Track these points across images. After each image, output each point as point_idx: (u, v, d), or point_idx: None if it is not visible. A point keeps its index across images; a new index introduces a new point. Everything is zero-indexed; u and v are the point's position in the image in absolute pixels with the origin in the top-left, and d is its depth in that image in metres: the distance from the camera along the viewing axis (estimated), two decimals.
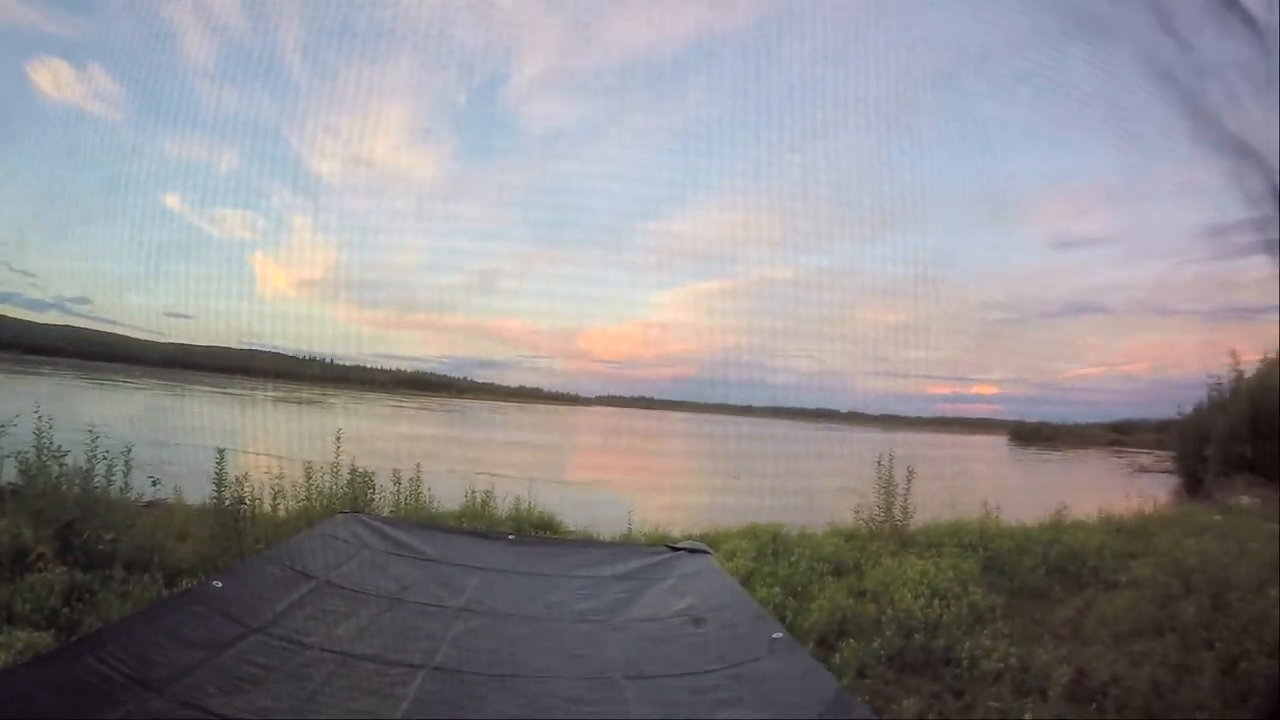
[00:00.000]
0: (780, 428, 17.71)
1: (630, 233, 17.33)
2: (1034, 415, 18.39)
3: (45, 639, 6.23)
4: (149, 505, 9.97)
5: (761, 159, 14.25)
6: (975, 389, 17.38)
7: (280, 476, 10.63)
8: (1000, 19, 12.37)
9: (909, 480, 11.68)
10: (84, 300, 16.25)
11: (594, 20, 15.29)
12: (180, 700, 2.80)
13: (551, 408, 19.27)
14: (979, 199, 14.62)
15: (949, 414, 18.07)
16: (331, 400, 17.92)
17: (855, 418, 17.45)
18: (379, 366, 18.31)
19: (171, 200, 15.54)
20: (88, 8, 15.00)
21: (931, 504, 11.87)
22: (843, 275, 15.19)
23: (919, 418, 17.35)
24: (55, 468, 9.20)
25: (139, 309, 15.76)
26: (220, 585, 3.93)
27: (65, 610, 7.11)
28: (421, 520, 9.45)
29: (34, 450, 9.37)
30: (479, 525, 10.43)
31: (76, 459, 9.34)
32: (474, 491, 11.91)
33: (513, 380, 19.01)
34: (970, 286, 15.92)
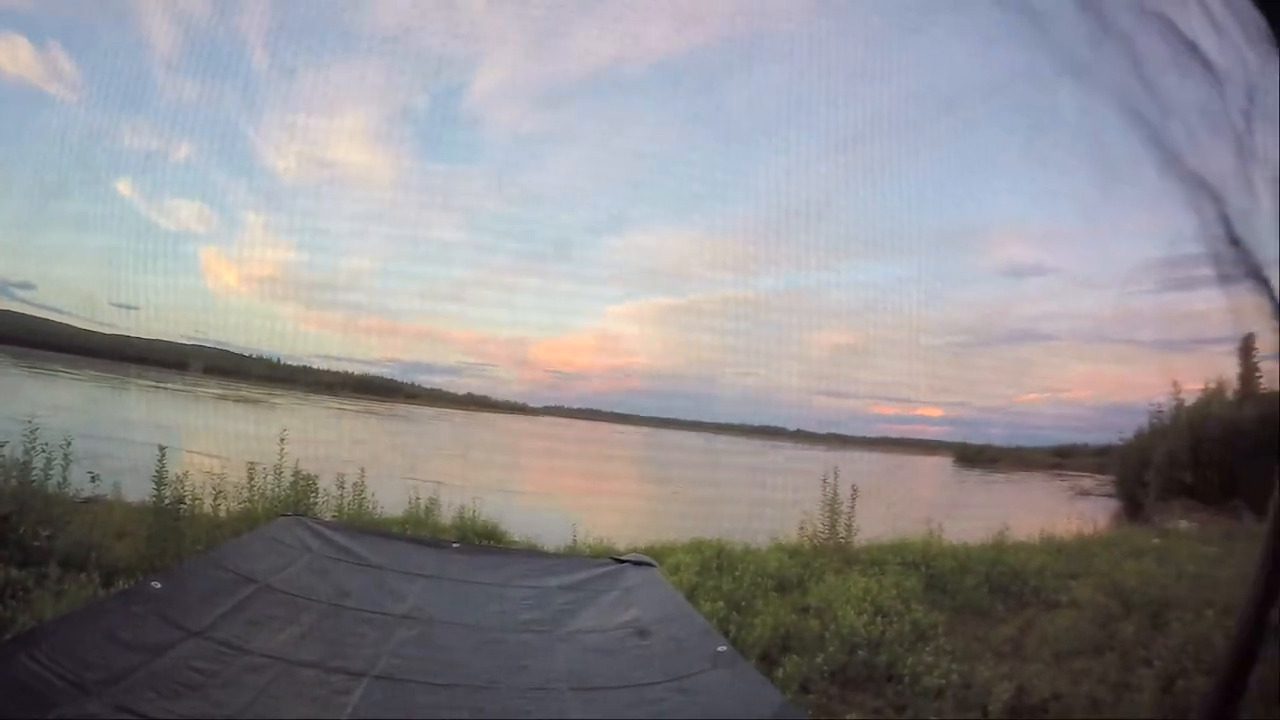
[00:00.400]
0: (727, 443, 17.78)
1: (586, 245, 17.35)
2: (978, 438, 18.67)
3: None
4: (87, 501, 9.71)
5: (720, 180, 14.34)
6: (920, 410, 17.58)
7: (222, 476, 10.48)
8: (963, 56, 12.59)
9: (854, 498, 11.77)
10: (27, 286, 15.86)
11: (559, 33, 15.31)
12: (115, 704, 2.71)
13: (499, 416, 19.14)
14: (935, 229, 14.83)
15: (894, 434, 18.27)
16: (276, 400, 17.64)
17: (801, 436, 17.58)
18: (326, 368, 18.09)
19: (123, 187, 15.22)
20: None
21: (876, 522, 11.97)
22: (795, 297, 15.31)
23: (864, 437, 17.52)
24: None
25: (84, 297, 15.42)
26: (159, 586, 3.81)
27: None
28: (365, 526, 9.33)
29: None
30: (423, 532, 10.29)
31: (13, 450, 9.08)
32: (418, 498, 11.80)
33: (461, 387, 18.88)
34: (921, 313, 16.13)
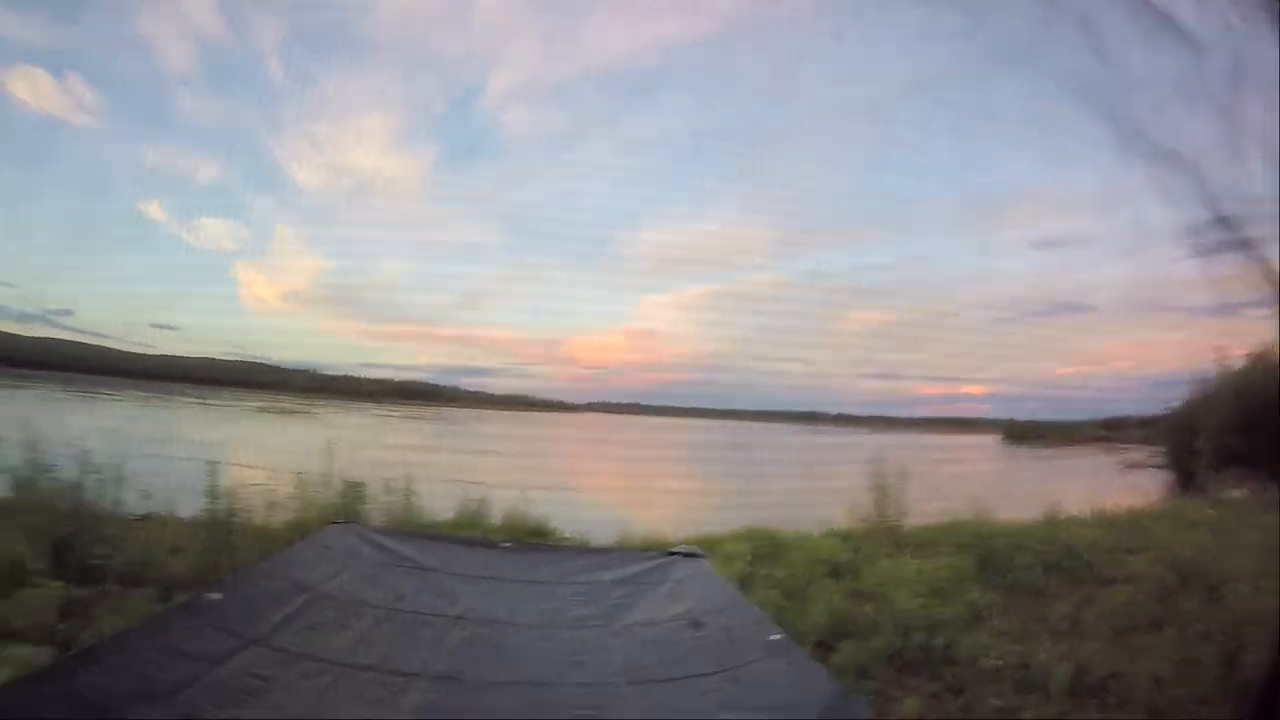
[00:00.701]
0: (770, 431, 17.74)
1: (614, 240, 17.40)
2: (1022, 414, 18.48)
3: (43, 654, 6.15)
4: (141, 519, 9.89)
5: (741, 166, 14.31)
6: (964, 389, 17.45)
7: (271, 488, 10.64)
8: (979, 22, 12.44)
9: (902, 481, 11.69)
10: (67, 312, 16.17)
11: (570, 30, 15.33)
12: (180, 713, 2.78)
13: (541, 415, 19.23)
14: (958, 203, 14.70)
15: (939, 414, 18.15)
16: (318, 411, 17.85)
17: (845, 419, 17.50)
18: (365, 376, 18.27)
19: (154, 210, 15.51)
20: (67, 17, 14.92)
21: (925, 504, 11.89)
22: (826, 279, 15.26)
23: (909, 418, 17.42)
24: (46, 482, 9.15)
25: (123, 321, 15.72)
26: (216, 598, 3.90)
27: (61, 626, 7.03)
28: (415, 530, 9.40)
29: (24, 465, 9.36)
30: (473, 534, 10.30)
31: (67, 473, 9.33)
32: (467, 500, 11.90)
33: (501, 388, 18.99)
34: (953, 288, 15.99)
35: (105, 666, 2.95)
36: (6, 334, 16.08)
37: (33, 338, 16.22)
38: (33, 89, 15.15)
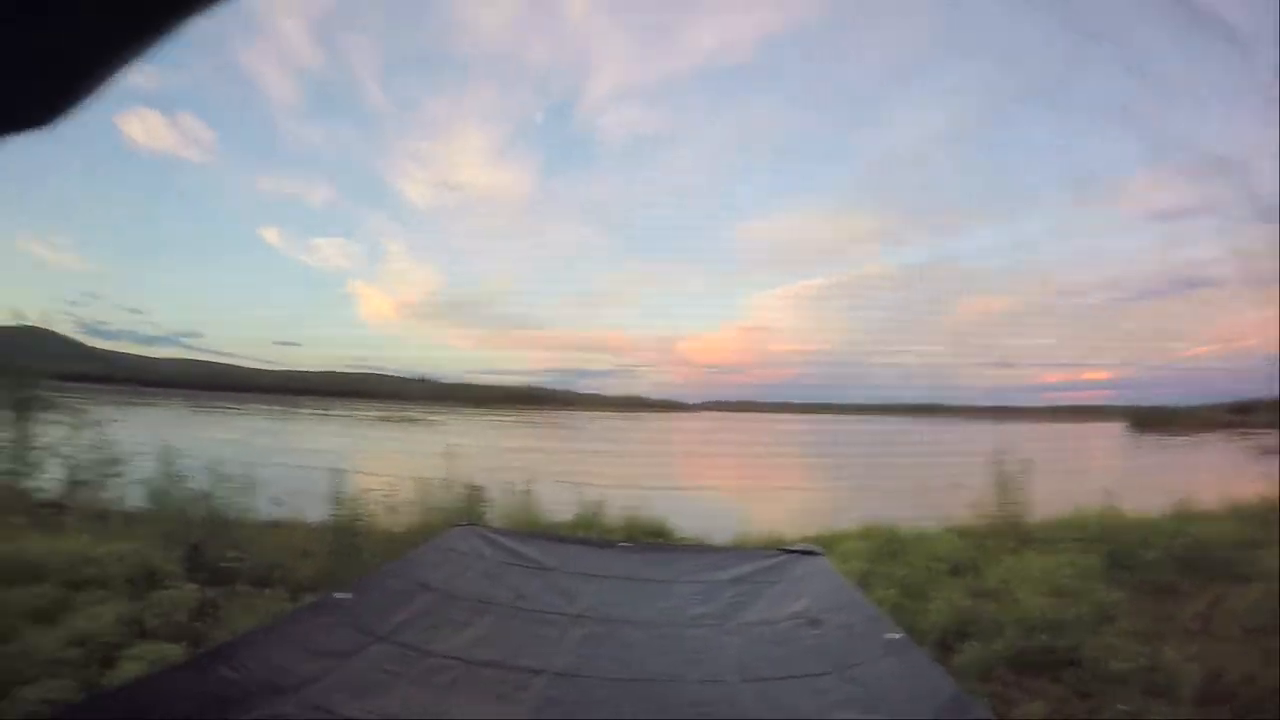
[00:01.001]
0: (889, 425, 17.54)
1: (721, 237, 17.43)
2: (1148, 399, 17.81)
3: (176, 650, 6.53)
4: (270, 525, 10.50)
5: (842, 155, 14.22)
6: (1086, 375, 16.97)
7: (393, 493, 11.02)
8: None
9: (1025, 473, 11.49)
10: (195, 334, 17.13)
11: (661, 29, 15.43)
12: (311, 704, 2.98)
13: (656, 416, 19.38)
14: (1066, 180, 14.29)
15: (1061, 402, 17.67)
16: (435, 418, 18.36)
17: (965, 411, 17.19)
18: (481, 383, 18.69)
19: (271, 235, 16.30)
20: (175, 60, 15.71)
21: (1049, 497, 11.66)
22: (938, 267, 15.03)
23: (1031, 407, 17.00)
24: (180, 492, 9.81)
25: (248, 339, 16.58)
26: (345, 597, 4.11)
27: (195, 624, 7.49)
28: (535, 530, 9.63)
29: (159, 476, 10.08)
30: (591, 534, 10.49)
31: (199, 483, 10.00)
32: (584, 500, 12.14)
33: (616, 390, 19.21)
34: (1067, 269, 15.55)
35: (239, 661, 3.16)
36: (138, 356, 17.09)
37: (162, 359, 17.22)
38: (147, 130, 16.14)
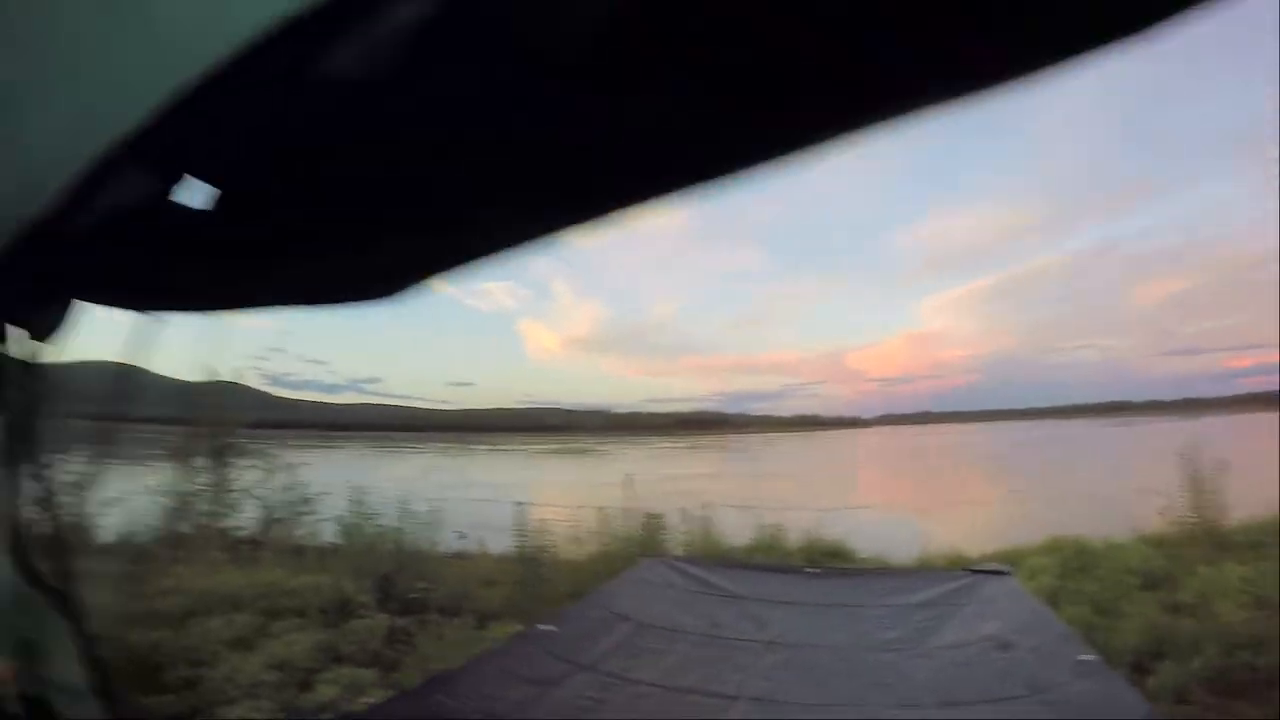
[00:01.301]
0: (1070, 427, 16.92)
1: (878, 245, 17.17)
2: None
3: (369, 675, 6.82)
4: (455, 556, 10.89)
5: (992, 149, 13.78)
6: None
7: (573, 523, 11.29)
8: None
9: (1221, 472, 10.61)
10: (374, 380, 18.27)
11: None
12: None
13: (830, 433, 19.29)
14: (1237, 145, 13.37)
15: (1255, 389, 16.50)
16: (609, 448, 18.82)
17: (1152, 406, 16.34)
18: (651, 411, 19.03)
19: (441, 283, 17.22)
20: None
21: (1249, 497, 10.88)
22: (1105, 253, 14.37)
23: (1222, 398, 15.98)
24: (369, 527, 10.39)
25: (424, 382, 17.43)
26: (550, 629, 4.35)
27: (386, 651, 7.71)
28: (722, 559, 9.72)
29: (348, 513, 10.64)
30: (770, 558, 10.48)
31: (386, 518, 10.48)
32: (763, 525, 12.00)
33: (788, 410, 19.41)
34: (1249, 240, 14.53)
35: (456, 689, 3.38)
36: (320, 403, 18.31)
37: (344, 404, 18.39)
38: None
